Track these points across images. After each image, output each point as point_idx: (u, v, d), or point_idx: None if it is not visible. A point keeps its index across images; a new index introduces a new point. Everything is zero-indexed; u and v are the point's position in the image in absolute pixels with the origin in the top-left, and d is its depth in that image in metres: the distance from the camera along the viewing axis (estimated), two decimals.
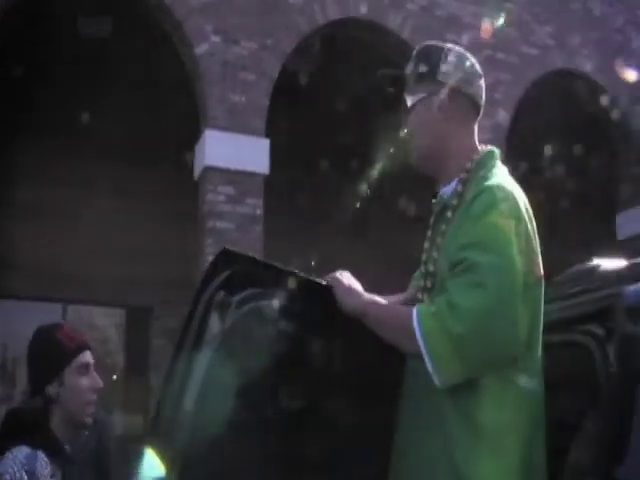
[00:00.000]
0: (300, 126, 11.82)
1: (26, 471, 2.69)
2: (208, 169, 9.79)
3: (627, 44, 12.42)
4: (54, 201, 11.32)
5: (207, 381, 2.15)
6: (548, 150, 11.49)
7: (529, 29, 11.72)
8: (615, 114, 11.56)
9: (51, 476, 2.76)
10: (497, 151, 2.43)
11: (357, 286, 2.38)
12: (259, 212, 9.73)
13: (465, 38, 10.38)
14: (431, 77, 2.39)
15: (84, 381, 2.98)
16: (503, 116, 11.07)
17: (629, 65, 11.70)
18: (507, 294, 2.09)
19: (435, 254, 2.32)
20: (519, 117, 11.33)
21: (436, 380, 2.13)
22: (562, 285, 2.75)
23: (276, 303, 2.31)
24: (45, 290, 11.21)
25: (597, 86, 11.95)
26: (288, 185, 11.71)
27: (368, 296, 2.35)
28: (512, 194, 2.23)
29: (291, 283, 2.33)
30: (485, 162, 2.37)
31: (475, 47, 10.27)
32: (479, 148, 2.42)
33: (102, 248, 11.31)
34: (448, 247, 2.24)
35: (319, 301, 2.34)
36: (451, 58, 2.40)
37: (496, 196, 2.20)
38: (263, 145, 9.95)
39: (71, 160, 11.37)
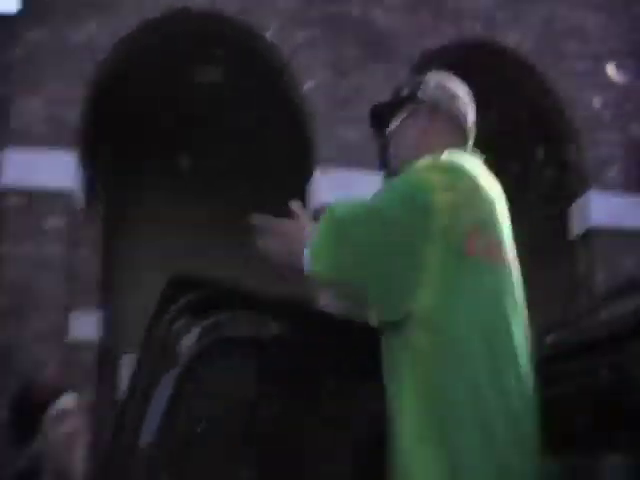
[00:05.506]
0: None
1: None
2: (320, 211, 9.50)
3: None
4: (168, 255, 11.42)
5: (169, 411, 1.99)
6: None
7: None
8: None
9: None
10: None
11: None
12: None
13: None
14: (412, 98, 2.41)
15: (60, 429, 2.95)
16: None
17: None
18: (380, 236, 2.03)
19: None
20: None
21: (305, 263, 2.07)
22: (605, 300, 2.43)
23: (253, 330, 2.12)
24: None
25: None
26: None
27: None
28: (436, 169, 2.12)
29: (269, 308, 2.15)
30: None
31: None
32: None
33: None
34: None
35: (308, 326, 2.15)
36: (432, 81, 2.44)
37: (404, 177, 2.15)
38: (377, 181, 9.61)
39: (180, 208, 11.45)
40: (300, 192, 10.08)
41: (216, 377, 2.11)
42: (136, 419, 2.01)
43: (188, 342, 2.02)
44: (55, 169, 9.20)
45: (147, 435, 1.98)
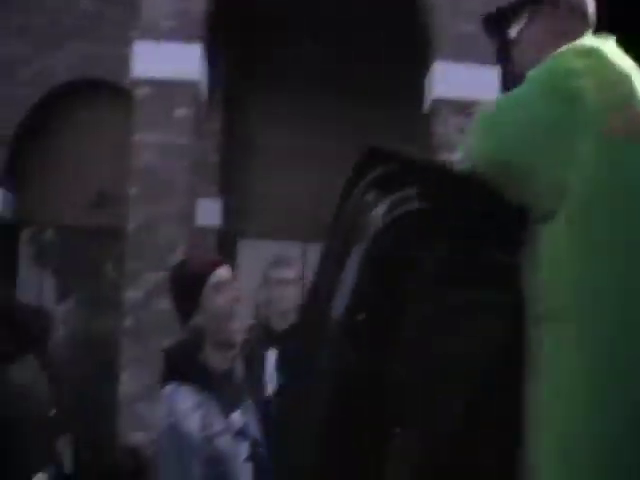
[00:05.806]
0: None
1: (168, 408, 2.84)
2: (437, 101, 9.67)
3: None
4: (288, 145, 11.76)
5: (358, 284, 1.95)
6: None
7: None
8: None
9: (199, 406, 2.83)
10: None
11: None
12: None
13: None
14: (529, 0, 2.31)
15: (220, 299, 2.96)
16: None
17: None
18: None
19: None
20: None
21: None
22: None
23: (440, 203, 2.01)
24: (286, 230, 11.80)
25: None
26: None
27: None
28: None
29: (455, 183, 2.05)
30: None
31: None
32: None
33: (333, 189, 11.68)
34: None
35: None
36: None
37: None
38: (493, 74, 9.65)
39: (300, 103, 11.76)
40: (418, 86, 10.29)
41: (404, 249, 2.01)
42: (328, 291, 1.99)
43: (377, 215, 1.96)
44: (182, 61, 9.50)
45: (339, 307, 1.94)
